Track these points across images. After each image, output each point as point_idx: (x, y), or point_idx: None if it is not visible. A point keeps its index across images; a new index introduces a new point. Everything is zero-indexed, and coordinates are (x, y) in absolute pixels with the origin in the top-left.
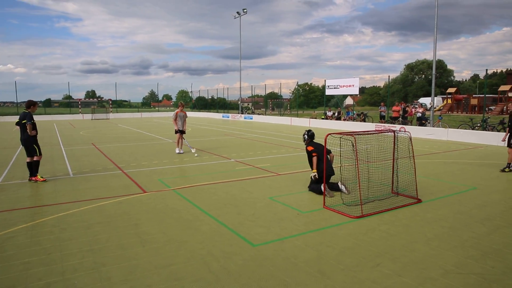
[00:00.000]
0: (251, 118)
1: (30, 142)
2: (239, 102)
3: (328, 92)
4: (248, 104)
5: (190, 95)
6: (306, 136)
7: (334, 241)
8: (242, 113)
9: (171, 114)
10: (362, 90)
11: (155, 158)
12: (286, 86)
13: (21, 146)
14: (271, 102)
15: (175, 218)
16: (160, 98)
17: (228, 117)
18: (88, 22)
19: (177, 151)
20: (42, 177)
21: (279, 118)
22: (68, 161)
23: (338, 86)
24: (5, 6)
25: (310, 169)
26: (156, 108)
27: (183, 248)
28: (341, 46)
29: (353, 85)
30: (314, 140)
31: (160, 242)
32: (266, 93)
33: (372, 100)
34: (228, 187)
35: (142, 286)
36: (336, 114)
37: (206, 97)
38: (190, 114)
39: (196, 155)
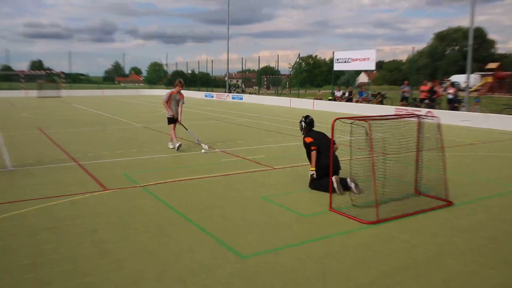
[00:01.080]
0: (241, 99)
1: None
2: (226, 79)
3: (337, 67)
4: (237, 81)
5: (165, 68)
6: (303, 124)
7: (343, 252)
8: (230, 92)
9: (139, 92)
10: (379, 65)
11: (120, 147)
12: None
13: None
14: (266, 79)
15: (144, 222)
16: (127, 72)
17: (212, 96)
18: None
19: (170, 145)
20: None
21: (275, 99)
22: (6, 151)
23: (350, 60)
24: None
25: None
26: (122, 85)
27: (154, 261)
28: (355, 10)
29: (368, 59)
30: (313, 129)
31: (124, 253)
32: (260, 67)
33: (392, 77)
34: (212, 184)
35: None
36: (346, 94)
37: (185, 72)
38: (165, 92)
39: (203, 151)
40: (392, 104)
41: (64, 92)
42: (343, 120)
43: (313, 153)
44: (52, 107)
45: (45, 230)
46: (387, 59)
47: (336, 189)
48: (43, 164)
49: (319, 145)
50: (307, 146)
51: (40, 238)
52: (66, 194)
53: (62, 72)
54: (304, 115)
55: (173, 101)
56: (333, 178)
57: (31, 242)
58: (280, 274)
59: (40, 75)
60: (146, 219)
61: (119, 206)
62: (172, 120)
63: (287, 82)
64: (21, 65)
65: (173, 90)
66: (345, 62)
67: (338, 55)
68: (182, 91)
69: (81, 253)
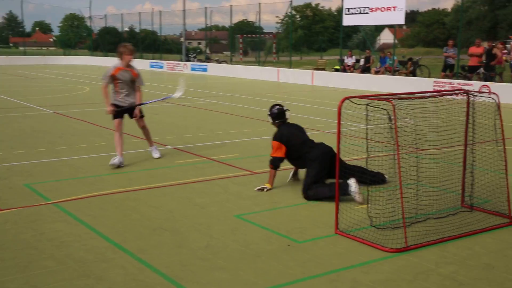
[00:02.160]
0: (205, 70)
1: None
2: (182, 40)
3: (347, 20)
4: (199, 44)
5: (88, 24)
6: (270, 118)
7: None
8: (189, 61)
9: (49, 61)
10: (411, 17)
11: (19, 144)
12: (270, 11)
13: None
14: (242, 40)
15: (58, 258)
16: (29, 30)
17: (161, 67)
18: None
19: (116, 161)
20: None
21: (256, 70)
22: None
23: (367, 10)
24: None
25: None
26: (21, 49)
27: None
28: None
29: (395, 8)
30: (287, 120)
31: None
32: (233, 23)
33: (430, 36)
34: (161, 197)
35: None
36: (361, 62)
37: (120, 30)
38: (88, 60)
39: (157, 156)
40: (429, 76)
41: None
42: (355, 100)
43: (272, 172)
44: None
45: None
46: (423, 9)
47: (355, 194)
48: None
49: (296, 147)
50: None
51: None
52: None
53: None
54: (273, 104)
55: (122, 83)
56: (353, 180)
57: None
58: None
59: None
60: (62, 253)
61: (18, 234)
62: (120, 113)
63: (274, 45)
64: None
65: (117, 64)
66: (359, 13)
67: (349, 3)
68: (133, 64)
69: None
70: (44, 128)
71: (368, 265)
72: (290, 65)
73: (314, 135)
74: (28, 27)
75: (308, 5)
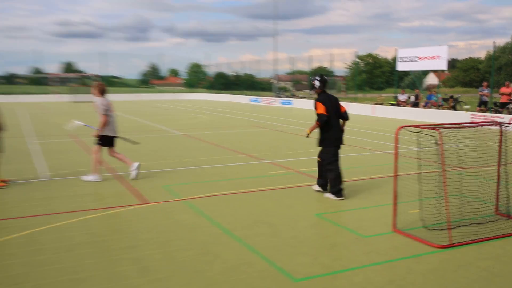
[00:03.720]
0: (291, 104)
1: None
2: (273, 81)
3: (400, 66)
4: (286, 84)
5: (205, 70)
6: (317, 83)
7: (409, 279)
8: (279, 97)
9: (178, 96)
10: (452, 63)
11: (158, 157)
12: (340, 59)
13: None
14: None
15: (186, 239)
16: (164, 74)
17: (258, 101)
18: None
19: (91, 178)
20: (3, 181)
21: None
22: (42, 160)
23: (416, 59)
24: None
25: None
26: (159, 88)
27: (197, 280)
28: (422, 0)
29: (438, 57)
30: (326, 90)
31: (166, 271)
32: (312, 68)
33: (467, 78)
34: (260, 199)
35: None
36: (412, 98)
37: (228, 74)
38: (206, 96)
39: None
40: (468, 110)
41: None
42: (409, 128)
43: (315, 126)
44: (85, 113)
45: (83, 245)
46: (461, 57)
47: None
48: (79, 174)
49: (330, 117)
50: (317, 115)
51: (79, 253)
52: (104, 207)
53: (95, 75)
54: (318, 75)
55: (110, 112)
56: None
57: (70, 257)
58: None
59: (72, 78)
60: (189, 236)
61: (159, 221)
62: (110, 139)
63: (344, 85)
64: (52, 67)
65: (101, 97)
66: (410, 61)
67: (402, 53)
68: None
69: (121, 270)
70: (175, 146)
71: (419, 257)
72: (355, 100)
73: (376, 155)
74: (164, 72)
75: (369, 55)
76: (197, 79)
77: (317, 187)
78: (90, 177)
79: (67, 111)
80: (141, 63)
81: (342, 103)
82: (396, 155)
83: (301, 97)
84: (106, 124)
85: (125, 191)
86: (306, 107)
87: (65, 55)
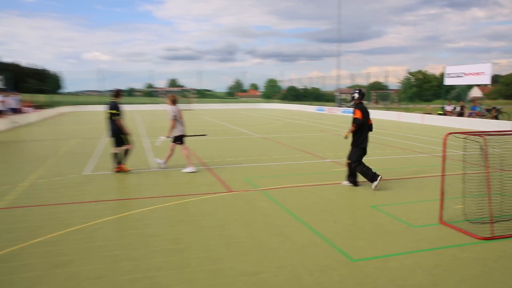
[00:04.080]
0: (351, 112)
1: (118, 133)
2: (336, 93)
3: (448, 81)
4: (346, 96)
5: (280, 84)
6: (356, 95)
7: (454, 265)
8: (340, 106)
9: (257, 106)
10: (495, 79)
11: (241, 154)
12: (393, 75)
13: (105, 136)
14: (374, 94)
15: (263, 222)
16: (247, 88)
17: (323, 110)
18: (170, 5)
19: (189, 169)
20: (127, 168)
21: (384, 113)
22: (151, 154)
23: (462, 74)
24: None
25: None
26: (242, 99)
27: (272, 255)
28: (468, 23)
29: (483, 73)
30: (363, 102)
31: (247, 246)
32: (369, 83)
33: (508, 91)
34: (324, 191)
35: None
36: (457, 109)
37: (298, 87)
38: (280, 106)
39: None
40: (509, 119)
41: (194, 106)
42: (456, 135)
43: (352, 129)
44: (185, 118)
45: (182, 222)
46: (504, 73)
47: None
48: (179, 166)
49: (363, 123)
50: (354, 119)
51: (179, 228)
52: (198, 193)
53: (193, 89)
54: (357, 89)
55: (179, 117)
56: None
57: (172, 231)
58: (389, 279)
59: (175, 91)
60: (265, 219)
61: (242, 206)
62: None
63: (396, 97)
64: (161, 83)
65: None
66: (457, 76)
67: (449, 69)
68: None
69: (211, 244)
70: (254, 146)
71: (463, 247)
72: (407, 110)
73: (424, 157)
74: (246, 86)
75: (419, 71)
76: (273, 91)
77: (347, 183)
78: (188, 169)
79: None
80: (228, 79)
81: (369, 115)
82: (444, 157)
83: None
84: (174, 126)
85: (215, 181)
86: None
87: (170, 73)
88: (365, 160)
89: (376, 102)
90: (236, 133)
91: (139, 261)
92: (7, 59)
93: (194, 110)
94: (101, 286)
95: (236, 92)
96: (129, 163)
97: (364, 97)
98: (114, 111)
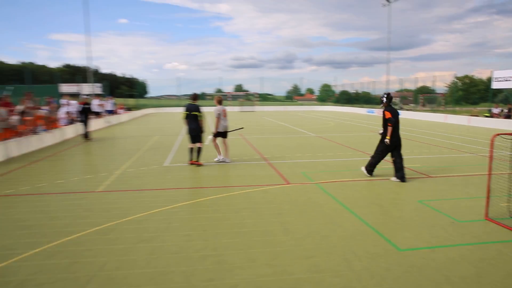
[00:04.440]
0: (399, 114)
1: (197, 131)
2: None
3: (495, 85)
4: (395, 99)
5: (333, 89)
6: (384, 99)
7: (499, 260)
8: None
9: (312, 108)
10: None
11: (298, 151)
12: (440, 79)
13: (182, 133)
14: (422, 97)
15: (317, 211)
16: (303, 92)
17: (373, 112)
18: (238, 20)
19: (218, 158)
20: (200, 162)
21: (431, 115)
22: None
23: (510, 78)
24: (171, 12)
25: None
26: (299, 102)
27: (325, 242)
28: None
29: None
30: (391, 104)
31: (302, 233)
32: (417, 87)
33: None
34: (373, 186)
35: (284, 272)
36: (505, 111)
37: (350, 91)
38: (333, 108)
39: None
40: None
41: (257, 108)
42: (503, 136)
43: (389, 129)
44: (248, 119)
45: (246, 209)
46: None
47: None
48: (244, 161)
49: (395, 123)
50: (386, 120)
51: (243, 215)
52: (259, 184)
53: (256, 93)
54: (386, 93)
55: (222, 116)
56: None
57: (237, 216)
58: (435, 269)
59: (241, 95)
60: (319, 209)
61: (298, 197)
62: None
63: (443, 100)
64: (228, 88)
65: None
66: (505, 80)
67: (497, 74)
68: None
69: (271, 229)
70: (310, 143)
71: (508, 242)
72: (453, 112)
73: (471, 156)
74: (303, 91)
75: (466, 76)
76: (327, 95)
77: (395, 179)
78: (219, 158)
79: (237, 118)
80: (287, 84)
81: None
82: (491, 157)
83: (407, 109)
84: (219, 123)
85: (275, 174)
86: (411, 117)
87: (237, 80)
88: (412, 159)
89: (423, 105)
90: (294, 132)
91: (208, 241)
92: (106, 70)
93: (257, 112)
94: (177, 260)
95: (294, 95)
96: (202, 157)
97: (392, 100)
98: (198, 113)
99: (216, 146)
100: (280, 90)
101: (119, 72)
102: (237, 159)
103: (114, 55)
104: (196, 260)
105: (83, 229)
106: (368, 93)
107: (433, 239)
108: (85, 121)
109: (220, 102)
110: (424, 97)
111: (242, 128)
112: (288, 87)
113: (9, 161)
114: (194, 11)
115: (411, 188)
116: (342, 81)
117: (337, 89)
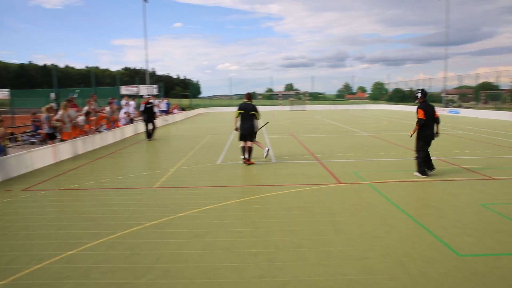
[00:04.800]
0: (458, 112)
1: (251, 130)
2: (442, 94)
3: None
4: (453, 97)
5: (386, 87)
6: (419, 95)
7: None
8: (446, 107)
9: (364, 107)
10: None
11: (350, 150)
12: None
13: (234, 132)
14: (484, 94)
15: (370, 212)
16: (355, 91)
17: None
18: (288, 20)
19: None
20: (252, 161)
21: (494, 113)
22: (271, 148)
23: None
24: (223, 14)
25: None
26: (350, 101)
27: (378, 243)
28: None
29: None
30: (426, 100)
31: (354, 234)
32: (478, 83)
33: None
34: (429, 187)
35: (336, 273)
36: None
37: (404, 89)
38: (386, 106)
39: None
40: None
41: (307, 107)
42: None
43: (415, 127)
44: (299, 118)
45: (297, 208)
46: None
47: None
48: (294, 160)
49: (427, 121)
50: (417, 119)
51: (294, 213)
52: (311, 183)
53: (307, 92)
54: (420, 89)
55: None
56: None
57: (288, 215)
58: (499, 278)
59: (291, 95)
60: (372, 210)
61: (350, 197)
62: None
63: (508, 97)
64: (279, 87)
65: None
66: None
67: None
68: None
69: (322, 229)
70: (362, 143)
71: None
72: None
73: None
74: (354, 89)
75: None
76: (379, 94)
77: (418, 174)
78: (264, 149)
79: (287, 117)
80: (338, 83)
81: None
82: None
83: (467, 107)
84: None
85: (326, 173)
86: (471, 115)
87: (287, 79)
88: (473, 158)
89: (485, 102)
90: (345, 131)
91: (259, 238)
92: (161, 72)
93: (307, 110)
94: (229, 255)
95: (345, 94)
96: (252, 156)
97: (426, 96)
98: (256, 112)
99: (258, 143)
100: (331, 89)
101: (173, 73)
102: (288, 158)
103: (169, 58)
104: (248, 256)
105: (141, 223)
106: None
107: (497, 246)
108: (148, 121)
109: (250, 99)
110: (486, 94)
111: (267, 123)
112: (339, 85)
113: (76, 157)
114: (245, 13)
115: (472, 191)
116: (396, 79)
117: (390, 87)
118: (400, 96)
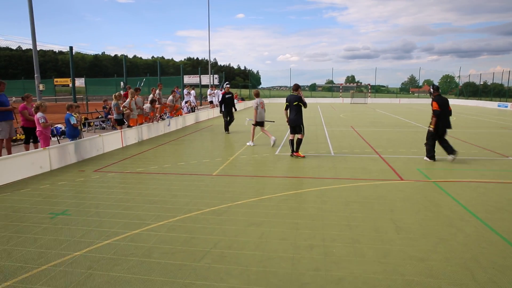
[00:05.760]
0: (448, 102)
1: (299, 122)
2: None
3: None
4: None
5: (456, 80)
6: (432, 90)
7: None
8: None
9: (423, 101)
10: None
11: (413, 146)
12: None
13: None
14: None
15: (434, 212)
16: (421, 84)
17: (506, 106)
18: (352, 10)
19: (249, 143)
20: (301, 154)
21: None
22: (330, 141)
23: None
24: (286, 4)
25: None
26: (416, 94)
27: (442, 245)
28: None
29: None
30: (440, 94)
31: (416, 233)
32: None
33: None
34: (505, 190)
35: (395, 272)
36: None
37: (477, 83)
38: (456, 101)
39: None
40: None
41: (369, 100)
42: None
43: (434, 120)
44: (360, 111)
45: (355, 203)
46: None
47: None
48: (354, 153)
49: (441, 113)
50: (433, 111)
51: (352, 208)
52: (371, 178)
53: (369, 84)
54: (433, 84)
55: (259, 107)
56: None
57: (346, 209)
58: None
59: (352, 87)
60: (436, 210)
61: (413, 195)
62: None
63: None
64: (340, 79)
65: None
66: None
67: None
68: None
69: (382, 226)
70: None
71: None
72: None
73: None
74: (420, 83)
75: None
76: (448, 87)
77: (427, 159)
78: (249, 143)
79: (348, 109)
80: (403, 75)
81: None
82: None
83: None
84: (256, 113)
85: (388, 168)
86: None
87: (349, 71)
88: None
89: None
90: (409, 126)
91: (316, 231)
92: (223, 62)
93: (369, 104)
94: (285, 246)
95: (410, 87)
96: (311, 148)
97: (439, 89)
98: (301, 103)
99: (265, 131)
100: (395, 82)
101: (234, 64)
102: (347, 152)
103: (231, 48)
104: (303, 248)
105: (200, 208)
106: (500, 85)
107: None
108: (226, 112)
109: (257, 95)
110: None
111: (273, 121)
112: (404, 78)
113: (141, 143)
114: (308, 3)
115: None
116: (468, 72)
117: (461, 81)
118: (473, 91)
